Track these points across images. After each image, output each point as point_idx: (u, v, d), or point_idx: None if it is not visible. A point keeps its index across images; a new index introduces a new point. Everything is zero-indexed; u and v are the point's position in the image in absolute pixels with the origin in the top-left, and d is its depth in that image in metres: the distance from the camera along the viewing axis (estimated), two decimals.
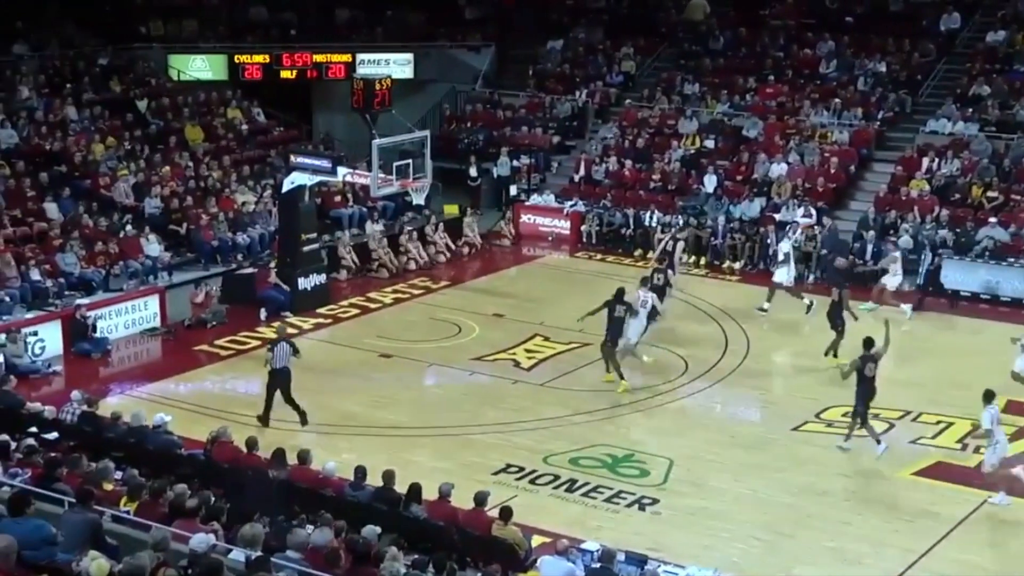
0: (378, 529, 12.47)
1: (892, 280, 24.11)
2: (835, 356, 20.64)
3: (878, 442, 17.42)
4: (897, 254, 24.60)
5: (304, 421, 17.97)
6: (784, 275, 23.67)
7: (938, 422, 18.62)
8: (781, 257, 23.82)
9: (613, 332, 19.71)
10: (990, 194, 27.27)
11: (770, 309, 23.62)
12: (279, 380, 17.98)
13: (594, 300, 24.31)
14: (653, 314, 20.83)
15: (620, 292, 20.03)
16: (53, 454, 14.10)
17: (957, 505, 16.00)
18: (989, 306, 24.69)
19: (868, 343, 17.69)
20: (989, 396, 16.43)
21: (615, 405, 19.13)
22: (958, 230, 26.33)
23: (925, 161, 28.69)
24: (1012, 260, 25.31)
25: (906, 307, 23.73)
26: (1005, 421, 18.45)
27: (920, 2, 33.75)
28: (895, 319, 20.87)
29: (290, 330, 22.56)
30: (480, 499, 13.72)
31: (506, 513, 13.44)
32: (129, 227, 25.32)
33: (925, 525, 15.43)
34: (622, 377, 19.70)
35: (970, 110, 29.74)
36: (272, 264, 24.37)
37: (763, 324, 23.35)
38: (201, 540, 10.70)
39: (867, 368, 17.43)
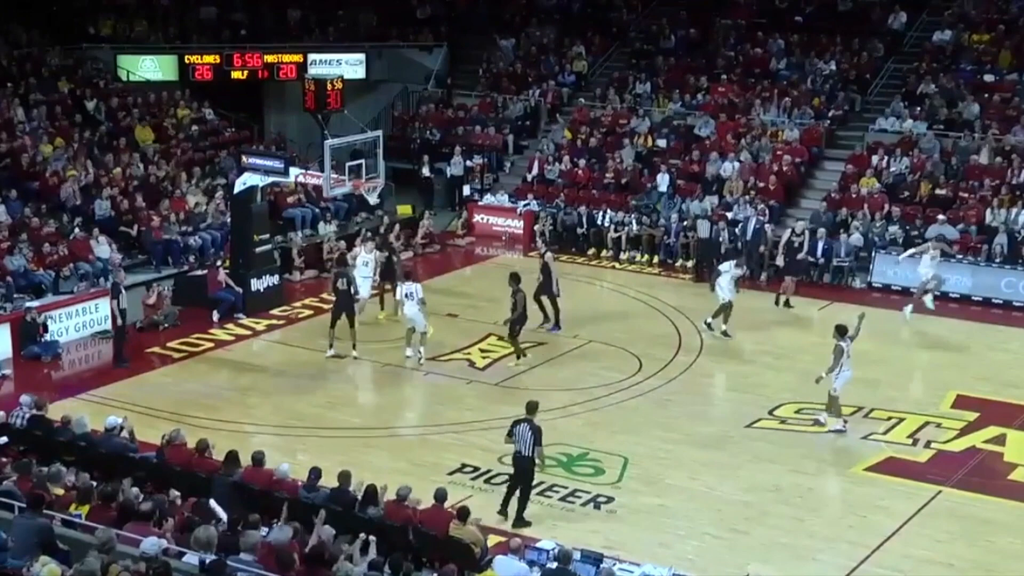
0: (333, 530, 12.43)
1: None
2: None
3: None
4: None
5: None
6: None
7: (889, 418, 18.73)
8: None
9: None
10: (939, 192, 27.54)
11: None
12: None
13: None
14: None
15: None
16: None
17: (908, 500, 16.11)
18: (939, 302, 24.94)
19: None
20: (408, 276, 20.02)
21: (571, 404, 19.11)
22: (908, 227, 26.58)
23: (875, 159, 28.95)
24: (960, 257, 25.60)
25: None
26: (953, 416, 18.91)
27: (868, 1, 34.05)
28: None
29: (242, 331, 22.66)
30: (440, 496, 13.69)
31: (463, 513, 13.41)
32: (78, 229, 25.04)
33: (877, 520, 15.50)
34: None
35: (918, 108, 30.05)
36: (219, 263, 24.17)
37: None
38: (152, 543, 10.65)
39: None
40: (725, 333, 22.40)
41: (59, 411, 16.70)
